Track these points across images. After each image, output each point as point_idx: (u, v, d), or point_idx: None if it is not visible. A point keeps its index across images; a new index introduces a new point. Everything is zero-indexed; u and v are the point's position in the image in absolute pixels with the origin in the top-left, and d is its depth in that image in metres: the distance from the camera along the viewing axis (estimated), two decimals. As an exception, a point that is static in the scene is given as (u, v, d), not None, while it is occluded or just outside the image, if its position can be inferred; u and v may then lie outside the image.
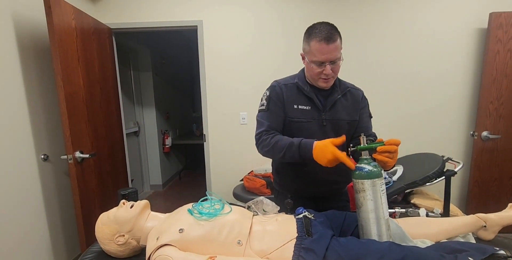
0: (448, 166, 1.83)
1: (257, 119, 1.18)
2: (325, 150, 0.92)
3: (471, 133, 2.37)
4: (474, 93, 2.37)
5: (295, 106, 1.14)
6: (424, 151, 2.30)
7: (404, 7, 2.31)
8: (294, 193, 1.24)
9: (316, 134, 1.14)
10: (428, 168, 1.80)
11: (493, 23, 2.15)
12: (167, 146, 3.96)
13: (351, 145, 0.98)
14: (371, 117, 1.25)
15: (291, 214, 1.02)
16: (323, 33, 1.00)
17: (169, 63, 4.28)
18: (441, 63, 2.35)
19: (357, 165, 0.91)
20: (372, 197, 0.87)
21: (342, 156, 0.89)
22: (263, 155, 1.13)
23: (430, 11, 2.30)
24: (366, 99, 1.24)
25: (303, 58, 1.13)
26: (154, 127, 3.77)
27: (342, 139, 0.94)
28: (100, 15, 2.43)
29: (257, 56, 2.44)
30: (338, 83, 1.18)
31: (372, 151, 0.92)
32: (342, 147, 1.17)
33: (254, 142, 1.15)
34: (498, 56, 2.18)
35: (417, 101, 2.43)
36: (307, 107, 1.14)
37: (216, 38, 2.44)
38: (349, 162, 0.90)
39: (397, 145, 0.90)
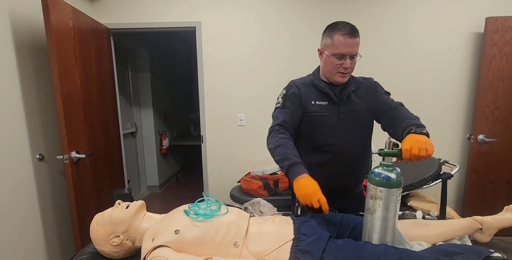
0: (445, 169, 1.83)
1: (272, 116, 1.23)
2: (309, 184, 0.91)
3: (468, 136, 2.39)
4: (470, 96, 2.39)
5: (313, 102, 1.20)
6: (421, 153, 2.31)
7: (400, 11, 2.32)
8: None
9: (336, 127, 1.18)
10: (424, 171, 1.80)
11: (489, 28, 2.17)
12: (164, 147, 3.95)
13: (372, 148, 0.97)
14: (389, 93, 1.24)
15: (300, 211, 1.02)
16: (347, 29, 1.08)
17: (167, 64, 4.27)
18: (438, 67, 2.37)
19: (377, 170, 0.85)
20: (385, 206, 0.83)
21: (323, 198, 0.88)
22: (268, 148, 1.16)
23: (426, 15, 2.31)
24: (377, 82, 1.27)
25: (321, 54, 1.19)
26: (152, 128, 3.76)
27: (324, 206, 0.89)
28: (98, 15, 2.43)
29: (256, 58, 2.44)
30: (352, 78, 1.24)
31: (396, 157, 0.86)
32: (364, 144, 1.22)
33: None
34: (494, 60, 2.20)
35: (414, 104, 2.41)
36: (324, 103, 1.20)
37: (215, 39, 2.44)
38: (326, 206, 0.88)
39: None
